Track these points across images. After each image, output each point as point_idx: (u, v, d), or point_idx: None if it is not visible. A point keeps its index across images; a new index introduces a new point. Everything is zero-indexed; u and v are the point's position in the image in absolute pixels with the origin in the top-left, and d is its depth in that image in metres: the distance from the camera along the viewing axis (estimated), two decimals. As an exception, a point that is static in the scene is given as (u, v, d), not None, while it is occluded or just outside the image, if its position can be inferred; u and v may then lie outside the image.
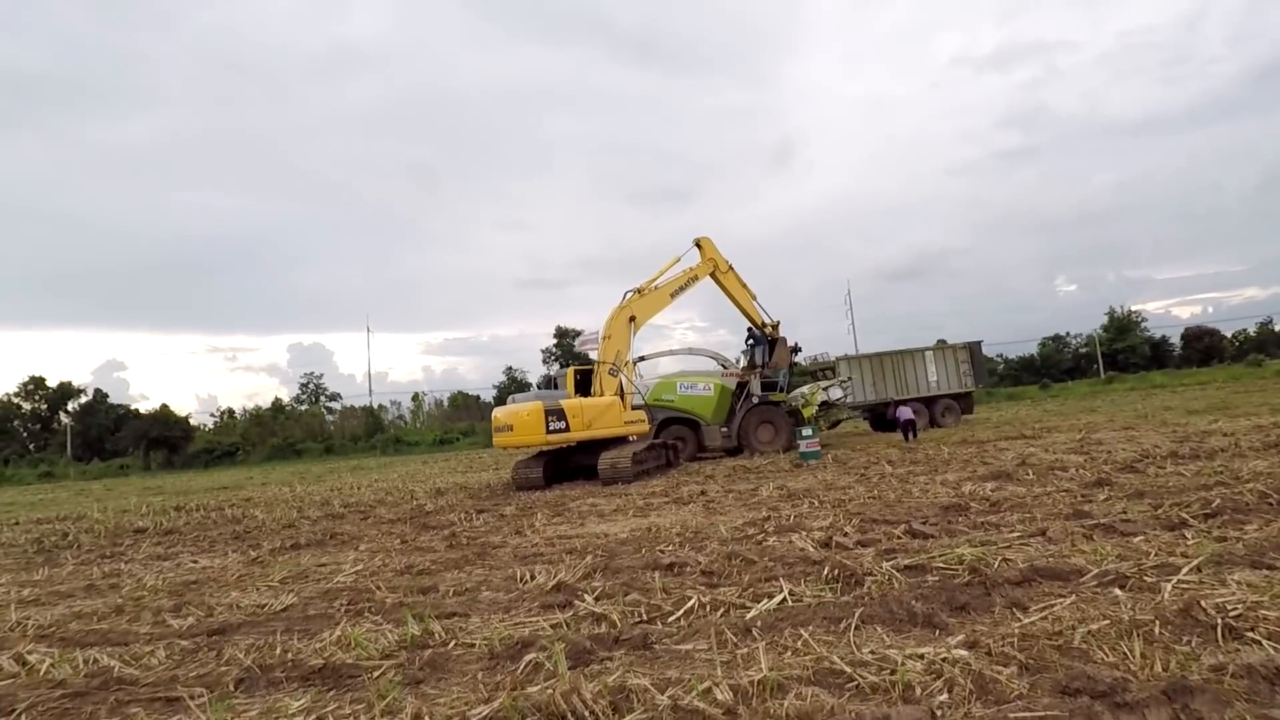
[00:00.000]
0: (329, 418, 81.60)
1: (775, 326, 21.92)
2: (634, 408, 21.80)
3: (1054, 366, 71.51)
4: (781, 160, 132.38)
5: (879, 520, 7.64)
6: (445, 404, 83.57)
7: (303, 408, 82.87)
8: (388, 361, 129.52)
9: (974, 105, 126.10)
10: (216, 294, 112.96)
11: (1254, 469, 8.67)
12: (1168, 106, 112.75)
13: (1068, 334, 76.87)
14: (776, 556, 6.23)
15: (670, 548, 7.29)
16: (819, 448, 17.65)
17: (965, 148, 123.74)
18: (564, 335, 71.84)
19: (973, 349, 29.07)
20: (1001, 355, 76.02)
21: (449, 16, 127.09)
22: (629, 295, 18.96)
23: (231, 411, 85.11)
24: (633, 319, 18.58)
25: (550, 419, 15.90)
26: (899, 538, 6.53)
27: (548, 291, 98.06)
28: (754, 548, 6.79)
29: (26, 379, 79.20)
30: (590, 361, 19.06)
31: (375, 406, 78.39)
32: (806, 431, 17.77)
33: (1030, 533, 6.07)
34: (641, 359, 25.80)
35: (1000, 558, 5.12)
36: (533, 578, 6.30)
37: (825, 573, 5.17)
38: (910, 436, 21.46)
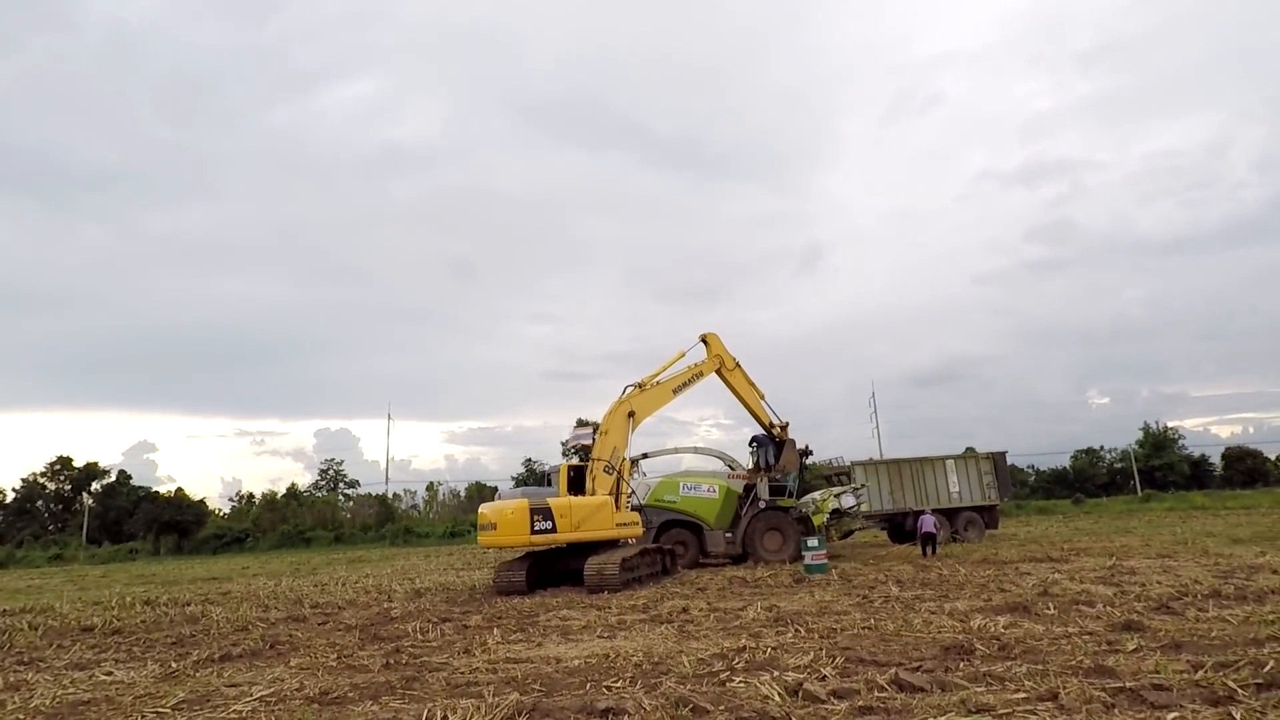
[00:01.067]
0: (346, 504, 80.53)
1: (784, 427, 21.00)
2: (631, 509, 20.82)
3: (1088, 480, 68.64)
4: (810, 264, 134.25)
5: (866, 660, 6.57)
6: (462, 495, 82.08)
7: (320, 494, 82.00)
8: (411, 449, 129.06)
9: (1002, 218, 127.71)
10: (251, 379, 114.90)
11: (1311, 618, 7.47)
12: (1196, 228, 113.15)
13: (1102, 447, 74.25)
14: (732, 707, 5.22)
15: (620, 684, 6.28)
16: (825, 560, 16.36)
17: (994, 258, 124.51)
18: (583, 425, 71.20)
19: (997, 459, 27.63)
20: (1033, 466, 73.46)
21: (495, 121, 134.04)
22: (629, 390, 18.31)
23: (251, 496, 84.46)
24: (632, 414, 17.85)
25: (536, 518, 14.96)
26: (882, 688, 5.48)
27: (574, 383, 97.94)
28: (712, 691, 5.77)
29: (54, 458, 79.51)
30: (586, 458, 18.20)
31: (390, 495, 77.30)
32: (813, 542, 16.54)
33: (1039, 694, 5.01)
34: (644, 456, 24.97)
35: (994, 733, 4.11)
36: (443, 718, 5.33)
37: (773, 743, 4.18)
38: (930, 551, 19.99)
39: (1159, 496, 53.96)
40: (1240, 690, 4.91)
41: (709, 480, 20.79)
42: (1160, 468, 66.67)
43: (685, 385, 19.24)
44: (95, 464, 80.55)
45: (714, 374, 19.99)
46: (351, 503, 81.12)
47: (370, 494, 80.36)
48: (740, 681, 6.06)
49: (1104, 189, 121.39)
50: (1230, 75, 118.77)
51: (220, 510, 80.00)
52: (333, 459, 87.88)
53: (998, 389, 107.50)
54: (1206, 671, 5.43)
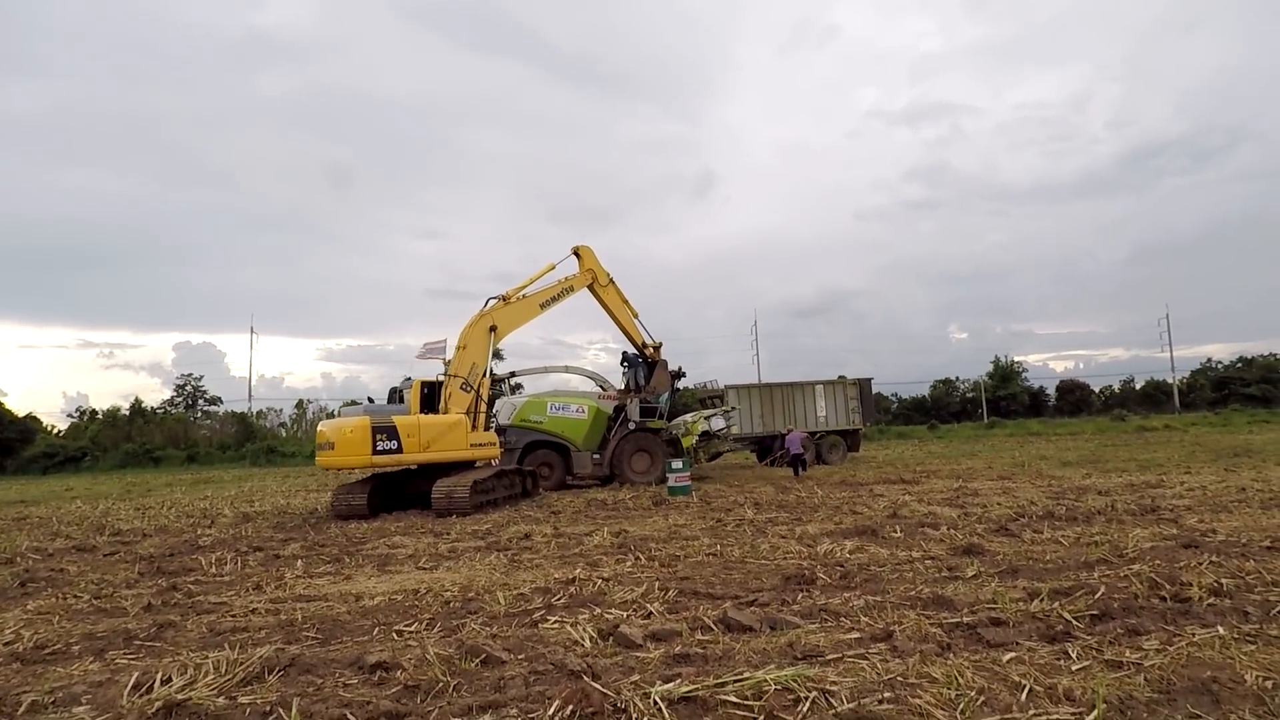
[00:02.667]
0: (206, 423, 74.62)
1: (657, 348, 20.38)
2: (497, 430, 19.78)
3: (943, 408, 73.85)
4: (702, 192, 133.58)
5: (701, 594, 5.96)
6: (337, 413, 77.71)
7: (175, 411, 75.44)
8: (284, 366, 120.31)
9: (886, 156, 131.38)
10: (97, 285, 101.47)
11: (1136, 541, 7.55)
12: (1054, 177, 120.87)
13: (957, 378, 79.89)
14: (532, 656, 4.41)
15: (415, 627, 5.36)
16: (689, 482, 16.09)
17: (876, 195, 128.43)
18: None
19: (862, 386, 28.51)
20: (896, 394, 78.19)
21: (377, 15, 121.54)
22: (491, 302, 16.95)
23: (94, 413, 76.46)
24: (494, 329, 16.56)
25: (379, 438, 13.65)
26: (708, 628, 4.83)
27: (462, 303, 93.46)
28: (517, 635, 4.95)
29: None
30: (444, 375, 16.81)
31: (253, 414, 72.19)
32: (676, 464, 16.19)
33: (874, 634, 4.49)
34: (512, 375, 23.85)
35: (816, 691, 3.47)
36: (165, 681, 4.22)
37: (551, 713, 3.36)
38: (799, 471, 20.30)
39: (1002, 424, 58.85)
40: (1075, 622, 4.58)
41: (578, 400, 19.98)
42: (1005, 398, 72.75)
43: (554, 300, 18.07)
44: None
45: (586, 290, 18.91)
46: (210, 421, 75.42)
47: (233, 412, 74.87)
48: (555, 622, 5.27)
49: (978, 134, 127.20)
50: (1096, 29, 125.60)
51: (54, 427, 72.42)
52: (190, 374, 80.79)
53: (871, 321, 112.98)
54: (1042, 600, 5.13)
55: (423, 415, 14.63)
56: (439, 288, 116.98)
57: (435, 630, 5.29)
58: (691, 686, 3.53)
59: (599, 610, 5.51)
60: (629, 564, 7.51)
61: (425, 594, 6.50)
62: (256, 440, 64.10)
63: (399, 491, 15.05)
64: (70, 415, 75.79)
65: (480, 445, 15.31)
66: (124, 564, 9.34)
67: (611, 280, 19.25)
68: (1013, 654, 3.99)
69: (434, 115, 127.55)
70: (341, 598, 6.55)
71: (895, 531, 8.96)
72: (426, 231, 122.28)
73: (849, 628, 4.70)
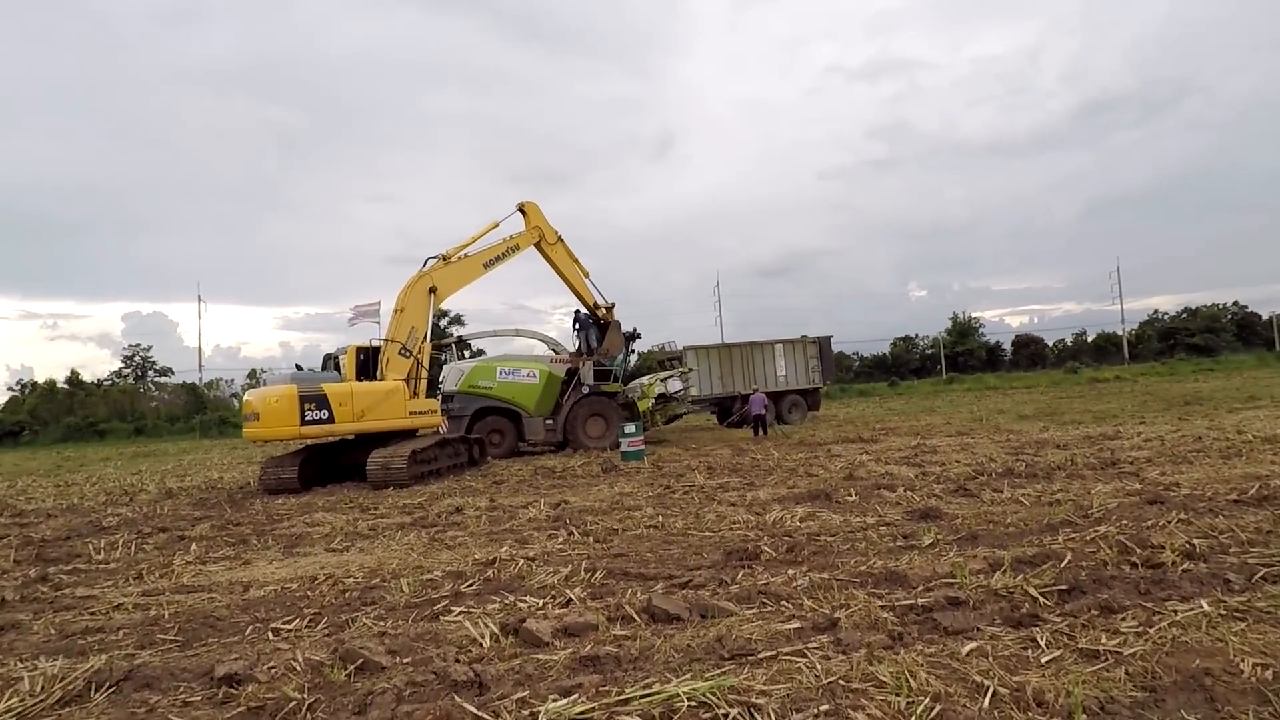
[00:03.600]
0: (155, 394, 71.94)
1: (610, 309, 19.58)
2: (443, 397, 18.92)
3: (903, 365, 74.58)
4: (662, 152, 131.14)
5: (631, 574, 5.33)
6: (261, 382, 75.22)
7: (122, 382, 72.55)
8: (240, 336, 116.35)
9: (847, 114, 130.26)
10: (37, 255, 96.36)
11: (1100, 499, 7.12)
12: (1010, 133, 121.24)
13: (917, 335, 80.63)
14: (415, 661, 3.73)
15: (296, 624, 4.63)
16: (642, 447, 15.50)
17: (837, 154, 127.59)
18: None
19: (822, 344, 28.13)
20: (857, 353, 78.73)
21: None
22: (431, 262, 15.95)
23: (36, 385, 73.17)
24: (433, 290, 15.60)
25: (307, 407, 12.72)
26: (629, 619, 4.20)
27: (419, 268, 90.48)
28: (408, 633, 4.26)
29: None
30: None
31: (203, 383, 69.72)
32: (629, 429, 15.56)
33: (816, 622, 3.90)
34: (460, 340, 22.91)
35: (739, 705, 2.84)
36: (-42, 712, 3.45)
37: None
38: (760, 431, 19.90)
39: (960, 379, 59.53)
40: (1043, 599, 4.04)
41: (529, 365, 19.17)
42: (963, 353, 73.70)
43: (499, 259, 17.10)
44: None
45: (533, 248, 17.96)
46: (160, 392, 72.75)
47: (184, 383, 72.27)
48: (458, 614, 4.59)
49: (936, 91, 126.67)
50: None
51: (-13, 401, 69.27)
52: (138, 344, 77.61)
53: (833, 281, 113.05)
54: (1005, 573, 4.59)
55: (356, 383, 13.71)
56: (397, 253, 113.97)
57: (319, 628, 4.58)
58: (588, 705, 2.88)
59: (511, 599, 4.84)
60: (560, 540, 6.86)
61: (324, 581, 5.77)
62: (207, 411, 61.88)
63: (334, 463, 14.20)
64: (11, 389, 72.56)
65: (420, 413, 14.47)
66: (6, 549, 8.42)
67: (560, 238, 18.32)
68: (973, 644, 3.42)
69: (380, 76, 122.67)
70: (229, 588, 5.79)
71: (850, 495, 8.45)
72: (380, 196, 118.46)
73: (789, 614, 4.09)
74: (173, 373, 74.83)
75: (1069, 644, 3.37)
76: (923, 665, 3.18)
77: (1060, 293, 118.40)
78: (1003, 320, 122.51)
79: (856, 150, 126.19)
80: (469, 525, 8.03)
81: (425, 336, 15.37)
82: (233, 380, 71.19)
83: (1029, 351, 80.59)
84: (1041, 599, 4.02)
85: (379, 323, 15.18)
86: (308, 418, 12.68)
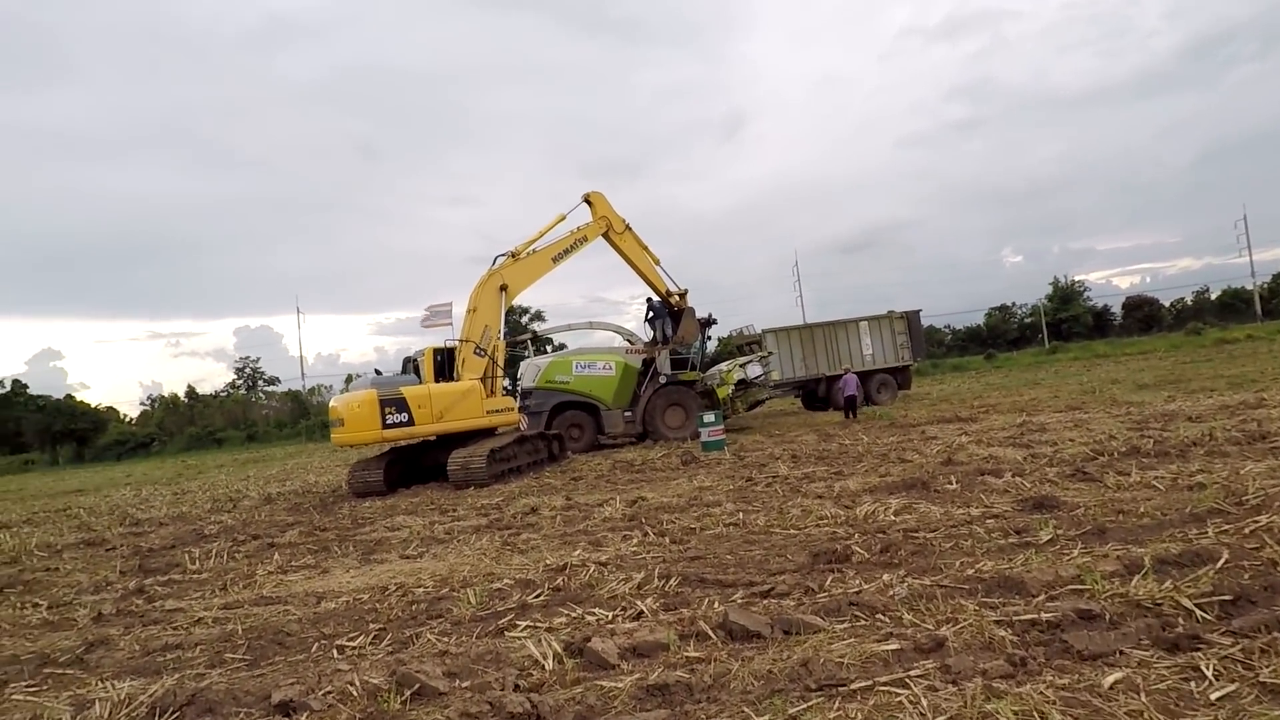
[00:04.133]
0: (265, 403, 76.88)
1: (683, 295, 19.11)
2: (521, 393, 18.98)
3: (1000, 337, 70.76)
4: (731, 134, 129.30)
5: (708, 581, 4.91)
6: (345, 389, 78.66)
7: (236, 393, 77.96)
8: (339, 343, 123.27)
9: (924, 77, 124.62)
10: (156, 278, 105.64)
11: (1252, 479, 6.18)
12: (1109, 79, 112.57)
13: (1013, 304, 76.23)
14: (473, 687, 3.45)
15: (361, 640, 4.46)
16: (723, 436, 15.00)
17: (916, 120, 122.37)
18: (510, 311, 67.91)
19: (910, 319, 26.70)
20: (949, 326, 75.18)
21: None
22: (500, 260, 15.91)
23: (164, 400, 79.55)
24: (504, 288, 15.55)
25: (387, 410, 12.89)
26: (706, 638, 3.78)
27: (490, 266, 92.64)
28: (470, 652, 3.99)
29: None
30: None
31: (306, 390, 73.81)
32: (709, 418, 15.09)
33: (919, 642, 3.36)
34: (534, 336, 22.95)
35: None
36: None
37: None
38: (851, 414, 19.02)
39: (1065, 348, 55.77)
40: (1200, 613, 3.37)
41: (605, 357, 18.96)
42: (1067, 320, 69.09)
43: (567, 252, 16.91)
44: None
45: (601, 239, 17.69)
46: (269, 400, 77.48)
47: (289, 390, 76.77)
48: (524, 629, 4.30)
49: (1023, 40, 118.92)
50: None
51: (127, 416, 75.66)
52: (248, 357, 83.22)
53: (918, 252, 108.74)
54: (1147, 578, 3.91)
55: (433, 384, 13.81)
56: (477, 252, 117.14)
57: (383, 644, 4.38)
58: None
59: (580, 611, 4.52)
60: (635, 542, 6.50)
61: (394, 592, 5.63)
62: (310, 417, 65.38)
63: (418, 464, 14.39)
64: (142, 404, 79.06)
65: (498, 411, 14.46)
66: (116, 560, 8.80)
67: (628, 226, 17.96)
68: (1117, 673, 2.83)
69: (450, 80, 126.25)
70: (304, 600, 5.72)
71: (950, 482, 7.74)
72: (457, 197, 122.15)
73: (886, 631, 3.58)
74: (279, 381, 79.64)
75: (1244, 676, 2.73)
76: (1055, 702, 2.63)
77: (1175, 248, 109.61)
78: (1110, 282, 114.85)
79: (936, 113, 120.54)
80: (543, 526, 7.80)
81: (499, 334, 15.36)
82: (331, 386, 74.85)
83: (1142, 314, 74.79)
84: (1199, 612, 3.34)
85: (451, 323, 15.27)
86: (388, 421, 12.84)
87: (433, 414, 13.35)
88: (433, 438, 14.25)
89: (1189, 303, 78.07)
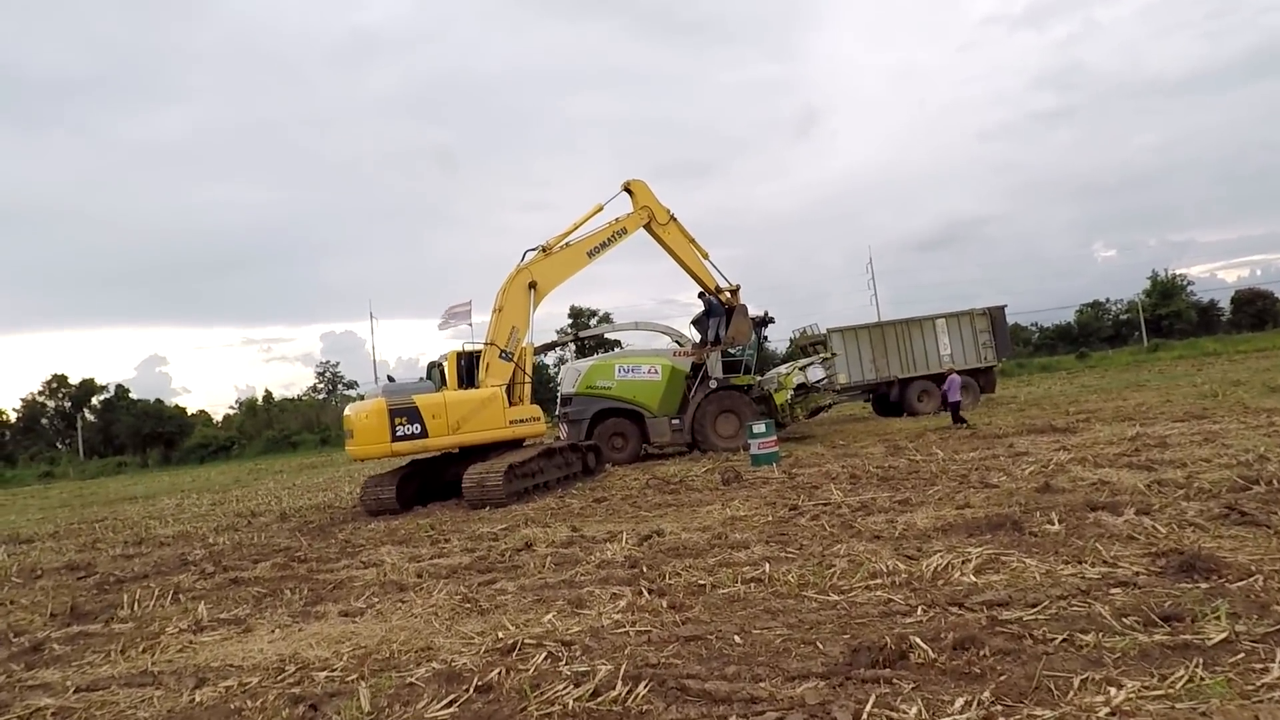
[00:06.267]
0: (340, 407, 79.22)
1: (735, 292, 17.41)
2: (560, 400, 17.68)
3: (1093, 335, 65.66)
4: (805, 131, 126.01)
5: (691, 695, 3.34)
6: (359, 396, 80.00)
7: (316, 397, 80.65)
8: (418, 348, 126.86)
9: (1007, 66, 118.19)
10: (250, 286, 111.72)
11: None
12: (1214, 61, 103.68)
13: (1107, 300, 70.78)
14: None
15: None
16: (775, 449, 13.27)
17: (999, 110, 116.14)
18: (578, 315, 67.33)
19: (994, 315, 24.11)
20: (1036, 324, 70.35)
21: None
22: (530, 254, 14.62)
23: (252, 404, 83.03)
24: (534, 285, 14.25)
25: (398, 421, 11.74)
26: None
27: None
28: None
29: (49, 377, 78.20)
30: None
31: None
32: (759, 428, 13.38)
33: None
34: (576, 338, 21.63)
35: None
36: None
37: None
38: (959, 420, 16.61)
39: (1167, 345, 50.97)
40: None
41: (650, 360, 17.43)
42: (1167, 316, 63.58)
43: (605, 245, 15.49)
44: (92, 380, 79.21)
45: (643, 230, 16.21)
46: (345, 404, 79.59)
47: (363, 395, 78.73)
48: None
49: (1116, 25, 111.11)
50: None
51: (216, 420, 79.12)
52: (328, 361, 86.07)
53: (1001, 248, 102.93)
54: None
55: (449, 392, 12.61)
56: None
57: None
58: None
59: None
60: (624, 604, 4.97)
61: (292, 674, 4.28)
62: (380, 421, 65.94)
63: (439, 479, 13.21)
64: (231, 408, 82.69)
65: (523, 421, 13.14)
66: (75, 593, 7.85)
67: (672, 217, 16.41)
68: None
69: (527, 87, 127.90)
70: (184, 678, 4.43)
71: (1050, 521, 5.89)
72: (531, 204, 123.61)
73: None
74: (357, 385, 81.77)
75: None
76: None
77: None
78: (1215, 275, 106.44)
79: (1020, 104, 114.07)
80: (529, 571, 6.35)
81: (528, 338, 14.08)
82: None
83: (1255, 308, 68.31)
84: None
85: (471, 324, 14.08)
86: (399, 433, 11.70)
87: (449, 425, 12.13)
88: (454, 450, 13.09)
89: (1308, 295, 70.93)
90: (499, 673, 3.85)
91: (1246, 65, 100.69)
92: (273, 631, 5.36)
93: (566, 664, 3.91)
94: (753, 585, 5.10)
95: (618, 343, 29.40)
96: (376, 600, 5.89)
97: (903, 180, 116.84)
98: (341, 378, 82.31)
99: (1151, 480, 7.25)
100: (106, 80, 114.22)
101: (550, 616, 4.87)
